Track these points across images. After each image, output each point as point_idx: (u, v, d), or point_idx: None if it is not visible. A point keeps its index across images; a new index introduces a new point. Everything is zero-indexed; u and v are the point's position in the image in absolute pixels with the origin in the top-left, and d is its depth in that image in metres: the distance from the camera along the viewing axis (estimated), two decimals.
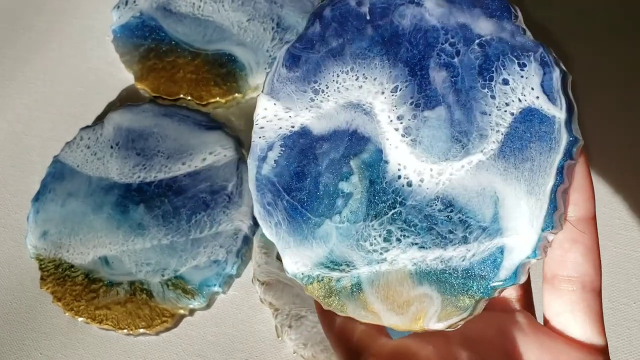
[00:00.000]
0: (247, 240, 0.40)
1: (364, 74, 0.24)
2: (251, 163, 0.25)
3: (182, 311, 0.39)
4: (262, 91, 0.25)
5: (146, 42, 0.46)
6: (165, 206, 0.41)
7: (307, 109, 0.24)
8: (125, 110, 0.44)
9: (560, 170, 0.22)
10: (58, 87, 0.47)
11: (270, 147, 0.24)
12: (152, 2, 0.47)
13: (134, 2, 0.47)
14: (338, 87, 0.24)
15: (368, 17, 0.25)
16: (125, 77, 0.47)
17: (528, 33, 0.24)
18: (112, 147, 0.43)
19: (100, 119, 0.45)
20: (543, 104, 0.22)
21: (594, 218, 0.23)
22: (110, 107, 0.46)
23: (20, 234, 0.43)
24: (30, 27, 0.50)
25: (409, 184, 0.23)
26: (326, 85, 0.24)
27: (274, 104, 0.25)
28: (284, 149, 0.24)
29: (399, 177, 0.23)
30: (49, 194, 0.43)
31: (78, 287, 0.40)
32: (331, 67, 0.25)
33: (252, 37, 0.45)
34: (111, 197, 0.42)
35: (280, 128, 0.25)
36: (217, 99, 0.44)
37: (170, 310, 0.39)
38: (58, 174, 0.43)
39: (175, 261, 0.40)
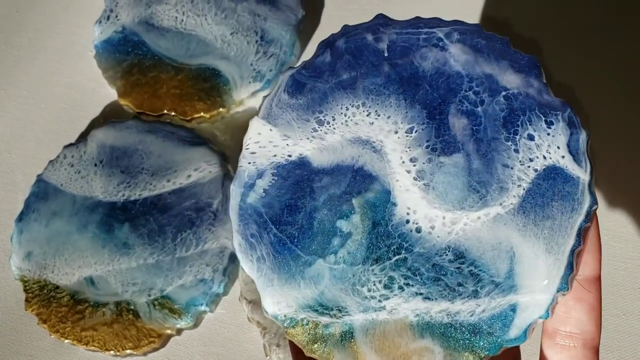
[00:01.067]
0: (233, 258, 0.40)
1: (376, 111, 0.23)
2: (235, 190, 0.23)
3: (169, 331, 0.39)
4: (258, 115, 0.24)
5: (129, 57, 0.45)
6: (150, 224, 0.41)
7: (308, 139, 0.23)
8: (109, 127, 0.44)
9: (579, 232, 0.21)
10: (40, 104, 0.47)
11: (260, 175, 0.23)
12: (134, 16, 0.46)
13: (116, 16, 0.47)
14: (346, 121, 0.23)
15: (386, 54, 0.24)
16: (108, 93, 0.46)
17: (552, 92, 0.23)
18: (96, 165, 0.43)
19: (84, 136, 0.45)
20: (568, 164, 0.22)
21: (600, 278, 0.23)
22: (94, 124, 0.46)
23: (4, 255, 0.43)
24: (11, 43, 0.50)
25: (418, 230, 0.22)
26: (333, 117, 0.23)
27: (270, 129, 0.23)
28: (276, 178, 0.23)
29: (407, 221, 0.22)
30: (33, 214, 0.42)
31: (64, 308, 0.40)
32: (340, 99, 0.24)
33: (236, 50, 0.44)
34: (96, 216, 0.41)
35: (275, 155, 0.23)
36: (202, 114, 0.44)
37: (157, 331, 0.39)
38: (42, 193, 0.43)
39: (161, 280, 0.39)
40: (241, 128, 0.44)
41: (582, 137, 0.22)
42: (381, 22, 0.25)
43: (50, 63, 0.48)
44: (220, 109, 0.44)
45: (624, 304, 0.36)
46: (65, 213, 0.42)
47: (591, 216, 0.22)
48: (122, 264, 0.40)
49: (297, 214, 0.22)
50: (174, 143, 0.43)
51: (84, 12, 0.50)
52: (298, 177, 0.23)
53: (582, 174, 0.22)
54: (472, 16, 0.45)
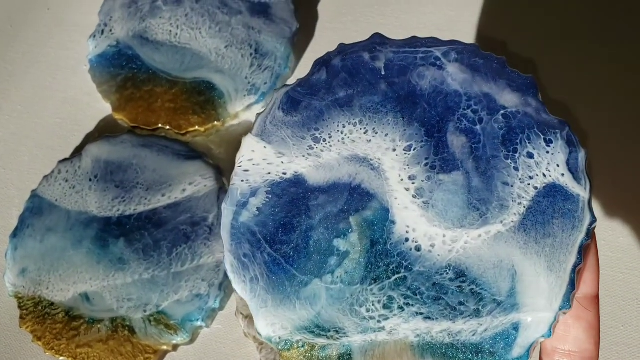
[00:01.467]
0: None
1: (374, 129, 0.23)
2: (227, 208, 0.23)
3: (165, 347, 0.38)
4: (251, 132, 0.23)
5: (123, 71, 0.45)
6: (145, 239, 0.40)
7: (304, 156, 0.23)
8: (104, 141, 0.43)
9: (580, 250, 0.21)
10: (35, 119, 0.47)
11: (254, 193, 0.23)
12: (128, 30, 0.46)
13: (110, 31, 0.47)
14: (343, 139, 0.23)
15: (383, 73, 0.24)
16: (103, 108, 0.46)
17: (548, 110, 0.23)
18: (90, 180, 0.43)
19: (78, 151, 0.45)
20: (568, 182, 0.22)
21: (598, 296, 0.23)
22: (89, 139, 0.46)
23: None
24: (5, 58, 0.49)
25: (418, 249, 0.22)
26: (329, 134, 0.23)
27: (264, 147, 0.23)
28: (270, 196, 0.22)
29: (407, 239, 0.22)
30: (28, 230, 0.42)
31: (58, 325, 0.39)
32: (337, 117, 0.23)
33: (231, 64, 0.44)
34: (91, 231, 0.41)
35: (269, 173, 0.23)
36: (197, 127, 0.44)
37: (153, 347, 0.38)
38: (36, 208, 0.43)
39: (157, 296, 0.39)
40: (236, 141, 0.44)
41: (581, 155, 0.22)
42: (378, 41, 0.25)
43: (45, 78, 0.48)
44: (215, 123, 0.43)
45: (623, 315, 0.36)
46: (60, 229, 0.41)
47: (591, 233, 0.22)
48: (117, 279, 0.40)
49: (293, 233, 0.22)
50: (169, 157, 0.42)
51: (78, 27, 0.50)
52: (293, 195, 0.22)
53: (582, 192, 0.22)
54: (468, 35, 0.45)
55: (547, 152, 0.22)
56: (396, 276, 0.21)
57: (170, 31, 0.46)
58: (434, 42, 0.25)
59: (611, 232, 0.38)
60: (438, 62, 0.24)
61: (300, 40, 0.46)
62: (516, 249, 0.22)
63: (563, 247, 0.21)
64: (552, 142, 0.22)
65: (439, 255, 0.22)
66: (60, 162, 0.44)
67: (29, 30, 0.50)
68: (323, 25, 0.48)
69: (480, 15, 0.46)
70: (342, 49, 0.25)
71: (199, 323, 0.38)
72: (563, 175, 0.22)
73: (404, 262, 0.22)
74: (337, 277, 0.21)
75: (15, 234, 0.42)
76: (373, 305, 0.21)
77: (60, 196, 0.43)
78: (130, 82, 0.45)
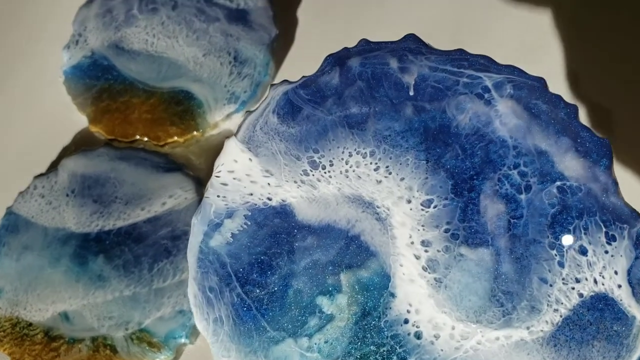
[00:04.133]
0: None
1: (387, 167, 0.18)
2: (197, 226, 0.19)
3: None
4: (236, 135, 0.19)
5: (99, 82, 0.44)
6: (125, 255, 0.39)
7: (295, 182, 0.19)
8: (80, 155, 0.42)
9: None
10: (9, 134, 0.46)
11: (230, 214, 0.19)
12: (103, 40, 0.45)
13: (85, 41, 0.46)
14: (347, 170, 0.19)
15: (411, 92, 0.19)
16: (79, 120, 0.45)
17: (620, 194, 0.18)
18: (67, 195, 0.41)
19: (55, 166, 0.44)
20: (624, 297, 0.17)
21: None
22: (65, 152, 0.44)
23: None
24: None
25: (418, 336, 0.17)
26: (330, 161, 0.19)
27: (250, 158, 0.19)
28: (249, 223, 0.19)
29: (406, 321, 0.18)
30: (3, 248, 0.41)
31: (37, 346, 0.38)
32: (343, 140, 0.19)
33: (209, 72, 0.43)
34: (69, 248, 0.40)
35: (251, 194, 0.19)
36: (175, 138, 0.43)
37: None
38: (12, 226, 0.41)
39: (138, 313, 0.38)
40: (216, 151, 0.43)
41: None
42: (412, 46, 0.20)
43: (19, 90, 0.47)
44: (195, 133, 0.43)
45: None
46: (37, 246, 0.40)
47: None
48: (97, 297, 0.39)
49: (270, 275, 0.18)
50: (148, 170, 0.41)
51: (53, 37, 0.48)
52: (277, 227, 0.19)
53: (639, 314, 0.17)
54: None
55: (606, 252, 0.18)
56: None
57: (147, 40, 0.45)
58: (487, 64, 0.19)
59: None
60: (486, 95, 0.19)
61: (280, 46, 0.46)
62: None
63: None
64: (615, 240, 0.18)
65: (442, 350, 0.17)
66: (36, 177, 0.42)
67: (1, 42, 0.49)
68: (303, 31, 0.47)
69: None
70: (365, 47, 0.20)
71: (182, 340, 0.37)
72: (620, 286, 0.18)
73: (397, 347, 0.17)
74: (315, 344, 0.17)
75: None
76: None
77: (36, 213, 0.41)
78: (106, 93, 0.44)
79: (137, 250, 0.39)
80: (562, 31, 0.43)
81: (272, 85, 0.21)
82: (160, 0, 0.46)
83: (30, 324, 0.39)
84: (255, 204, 0.19)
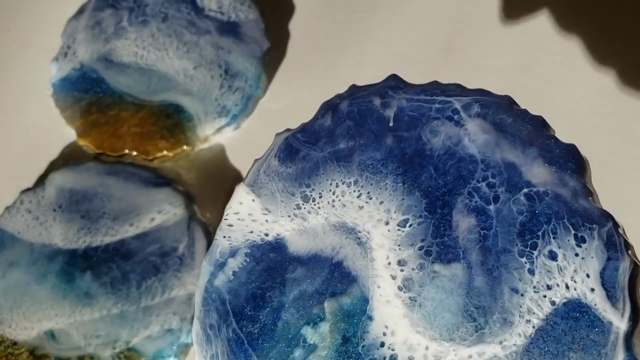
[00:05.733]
0: None
1: (369, 193, 0.19)
2: (205, 267, 0.19)
3: None
4: (244, 181, 0.20)
5: (87, 95, 0.44)
6: (113, 272, 0.39)
7: (289, 216, 0.19)
8: (68, 169, 0.42)
9: None
10: None
11: (233, 253, 0.19)
12: (92, 53, 0.45)
13: (74, 53, 0.45)
14: (333, 201, 0.19)
15: (391, 124, 0.20)
16: (67, 134, 0.44)
17: (596, 198, 0.18)
18: (54, 210, 0.41)
19: (42, 180, 0.43)
20: (598, 302, 0.17)
21: None
22: (53, 166, 0.44)
23: None
24: None
25: (393, 359, 0.17)
26: (320, 193, 0.19)
27: (253, 199, 0.20)
28: (248, 259, 0.19)
29: (382, 344, 0.17)
30: None
31: None
32: (331, 173, 0.20)
33: (199, 85, 0.43)
34: (55, 264, 0.39)
35: (252, 232, 0.19)
36: (165, 152, 0.42)
37: None
38: None
39: (126, 332, 0.37)
40: (207, 166, 0.42)
41: (624, 265, 0.17)
42: (392, 84, 0.21)
43: (5, 103, 0.46)
44: (185, 147, 0.42)
45: None
46: (23, 263, 0.40)
47: None
48: (84, 315, 0.38)
49: (262, 309, 0.18)
50: (136, 185, 0.41)
51: (40, 49, 0.48)
52: (271, 262, 0.19)
53: (616, 319, 0.17)
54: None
55: (576, 255, 0.17)
56: None
57: (136, 52, 0.44)
58: (456, 90, 0.20)
59: None
60: (456, 116, 0.19)
61: (272, 59, 0.45)
62: None
63: None
64: (584, 241, 0.17)
65: None
66: (23, 192, 0.42)
67: None
68: (295, 43, 0.47)
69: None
70: (353, 91, 0.21)
71: (171, 359, 0.37)
72: (593, 290, 0.17)
73: None
74: None
75: None
76: None
77: (22, 228, 0.41)
78: (95, 106, 0.43)
79: (125, 267, 0.39)
80: (556, 43, 0.43)
81: (277, 134, 0.22)
82: (151, 12, 0.45)
83: (15, 343, 0.38)
84: (254, 241, 0.19)
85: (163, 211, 0.40)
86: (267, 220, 0.19)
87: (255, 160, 0.21)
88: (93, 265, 0.39)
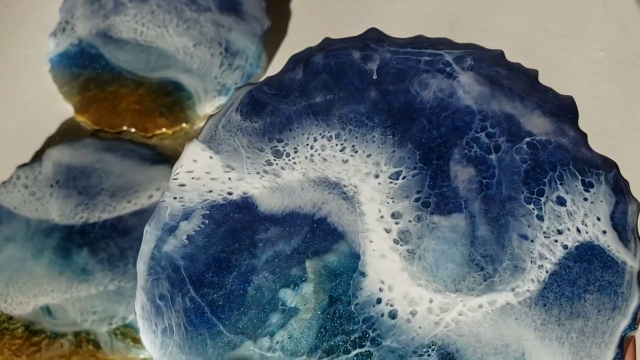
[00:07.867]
0: None
1: (353, 146, 0.18)
2: (150, 232, 0.18)
3: None
4: (197, 138, 0.19)
5: (86, 71, 0.43)
6: (110, 249, 0.38)
7: (258, 173, 0.18)
8: (65, 145, 0.41)
9: (620, 342, 0.16)
10: None
11: (186, 216, 0.17)
12: (91, 28, 0.44)
13: (72, 28, 0.45)
14: (312, 155, 0.18)
15: (375, 77, 0.19)
16: (64, 110, 0.44)
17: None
18: (51, 185, 0.40)
19: (39, 156, 0.43)
20: (611, 243, 0.16)
21: None
22: (50, 142, 0.43)
23: None
24: None
25: (392, 315, 0.16)
26: (294, 148, 0.18)
27: (210, 156, 0.18)
28: (207, 221, 0.17)
29: (379, 300, 0.16)
30: None
31: (18, 340, 0.37)
32: (308, 127, 0.18)
33: (199, 63, 0.43)
34: (52, 240, 0.39)
35: (210, 191, 0.18)
36: (164, 130, 0.42)
37: None
38: None
39: (123, 308, 0.37)
40: None
41: (632, 208, 0.17)
42: (373, 37, 0.20)
43: (3, 78, 0.46)
44: (184, 125, 0.42)
45: None
46: (19, 238, 0.39)
47: (638, 320, 0.16)
48: (80, 291, 0.38)
49: (227, 274, 0.17)
50: (135, 161, 0.40)
51: (38, 24, 0.47)
52: (237, 223, 0.17)
53: (629, 259, 0.16)
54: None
55: (585, 199, 0.17)
56: (357, 350, 0.16)
57: (136, 29, 0.44)
58: (445, 43, 0.19)
59: None
60: (448, 69, 0.19)
61: (272, 38, 0.45)
62: (530, 330, 0.16)
63: (597, 336, 0.16)
64: (592, 186, 0.17)
65: (420, 327, 0.16)
66: (20, 167, 0.41)
67: None
68: (296, 23, 0.46)
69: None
70: (327, 44, 0.20)
71: None
72: (605, 232, 0.17)
73: (370, 331, 0.16)
74: (277, 343, 0.16)
75: None
76: None
77: (19, 203, 0.40)
78: (93, 82, 0.43)
79: (122, 243, 0.38)
80: (558, 25, 0.43)
81: (236, 88, 0.20)
82: None
83: (11, 318, 0.38)
84: (215, 201, 0.18)
85: (161, 188, 0.39)
86: (229, 179, 0.18)
87: (210, 116, 0.19)
88: (90, 241, 0.39)
